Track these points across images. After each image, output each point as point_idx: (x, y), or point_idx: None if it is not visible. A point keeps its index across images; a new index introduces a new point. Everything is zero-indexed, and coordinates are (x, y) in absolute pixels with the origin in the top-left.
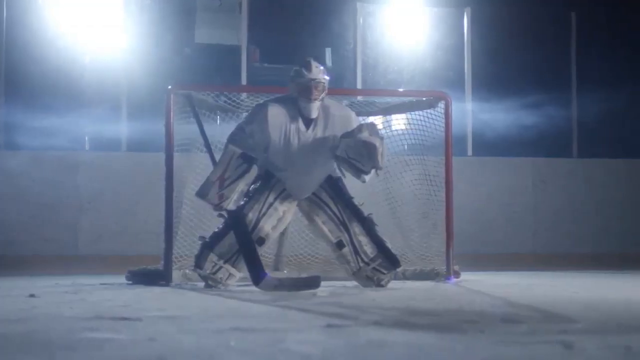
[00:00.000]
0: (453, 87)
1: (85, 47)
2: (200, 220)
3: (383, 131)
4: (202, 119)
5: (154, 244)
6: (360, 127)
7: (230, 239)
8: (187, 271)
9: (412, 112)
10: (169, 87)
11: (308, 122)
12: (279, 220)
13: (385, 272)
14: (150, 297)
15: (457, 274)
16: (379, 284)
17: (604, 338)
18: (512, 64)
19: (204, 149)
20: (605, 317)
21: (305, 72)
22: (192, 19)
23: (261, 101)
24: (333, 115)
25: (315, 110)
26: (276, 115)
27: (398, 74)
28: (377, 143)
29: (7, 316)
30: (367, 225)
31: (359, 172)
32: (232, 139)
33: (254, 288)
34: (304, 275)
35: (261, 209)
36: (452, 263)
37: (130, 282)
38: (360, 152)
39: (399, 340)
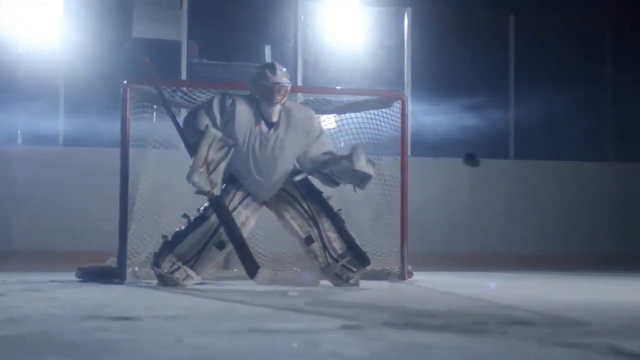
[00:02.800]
0: (393, 87)
1: (21, 38)
2: (151, 218)
3: (337, 130)
4: (158, 114)
5: (91, 240)
6: (357, 154)
7: (192, 239)
8: (136, 269)
9: (367, 111)
10: (125, 81)
11: (269, 124)
12: (242, 225)
13: (354, 270)
14: (121, 296)
15: (409, 274)
16: (348, 282)
17: (636, 342)
18: (451, 65)
19: (157, 145)
20: (605, 320)
21: (270, 75)
22: (130, 12)
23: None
24: (295, 118)
25: (276, 113)
26: (243, 113)
27: (338, 72)
28: (373, 173)
29: None
30: (337, 221)
31: (332, 184)
32: (205, 107)
33: (206, 287)
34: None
35: None
36: (406, 263)
37: (80, 279)
38: (352, 178)
39: (438, 343)
